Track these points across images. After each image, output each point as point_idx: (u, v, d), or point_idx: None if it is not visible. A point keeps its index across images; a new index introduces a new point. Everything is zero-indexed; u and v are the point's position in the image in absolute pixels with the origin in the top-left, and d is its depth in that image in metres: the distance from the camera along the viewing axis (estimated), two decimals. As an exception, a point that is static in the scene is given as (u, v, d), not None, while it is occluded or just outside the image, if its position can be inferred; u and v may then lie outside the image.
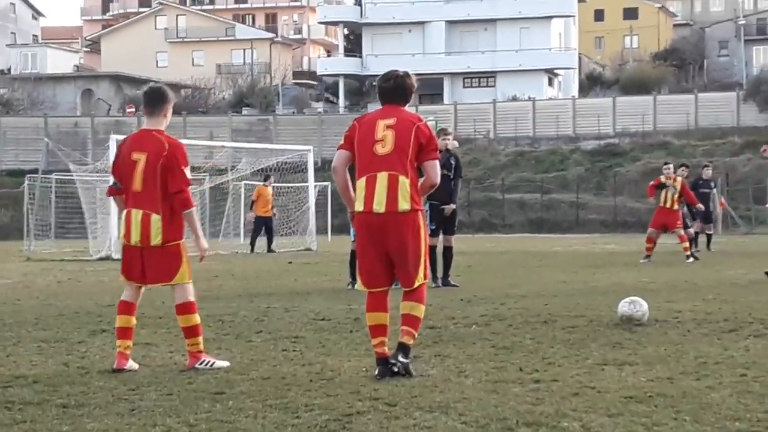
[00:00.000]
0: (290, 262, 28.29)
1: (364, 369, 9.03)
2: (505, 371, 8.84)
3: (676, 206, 26.30)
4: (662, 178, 26.41)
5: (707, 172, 31.50)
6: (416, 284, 8.85)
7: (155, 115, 9.53)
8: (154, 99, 9.51)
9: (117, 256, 31.31)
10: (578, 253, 32.80)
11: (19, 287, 20.01)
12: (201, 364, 9.29)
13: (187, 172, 9.39)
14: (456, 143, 18.85)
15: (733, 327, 11.66)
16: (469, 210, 62.45)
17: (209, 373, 8.94)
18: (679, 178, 26.41)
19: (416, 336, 8.90)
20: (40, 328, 12.62)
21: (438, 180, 8.94)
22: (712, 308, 13.62)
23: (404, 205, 8.75)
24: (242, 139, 68.39)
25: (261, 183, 38.32)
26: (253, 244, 37.00)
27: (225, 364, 9.36)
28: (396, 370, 8.59)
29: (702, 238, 30.69)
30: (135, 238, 9.36)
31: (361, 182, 8.89)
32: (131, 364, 9.26)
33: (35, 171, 42.84)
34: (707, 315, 12.82)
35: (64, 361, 9.82)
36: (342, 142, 9.11)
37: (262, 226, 37.20)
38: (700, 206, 28.05)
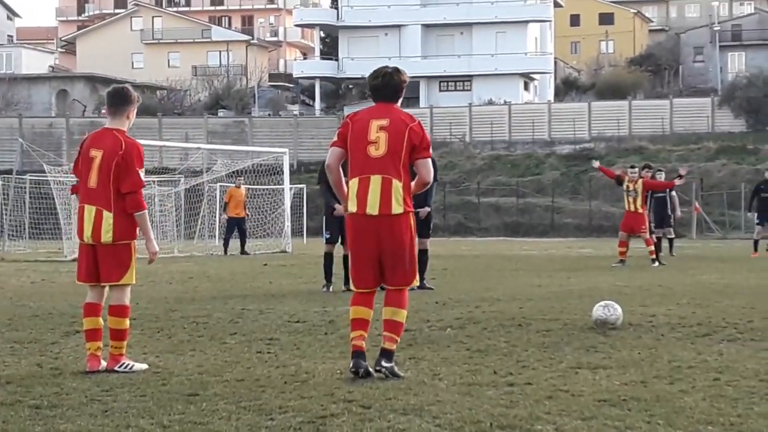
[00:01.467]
0: (265, 264, 28.25)
1: (338, 371, 9.02)
2: (480, 374, 8.85)
3: (640, 210, 26.48)
4: (626, 181, 26.61)
5: (660, 176, 31.56)
6: (414, 284, 9.01)
7: (118, 115, 9.57)
8: (118, 99, 9.55)
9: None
10: (553, 257, 32.86)
11: (-7, 288, 19.91)
12: (120, 366, 9.30)
13: (142, 173, 9.43)
14: None
15: (707, 331, 11.70)
16: (444, 213, 62.53)
17: (183, 375, 8.92)
18: (640, 181, 26.57)
19: (398, 341, 8.95)
20: (13, 328, 12.57)
21: (431, 178, 9.04)
22: (686, 312, 13.66)
23: (397, 208, 8.85)
24: (218, 141, 68.36)
25: (234, 185, 38.34)
26: (226, 245, 36.98)
27: (144, 366, 9.38)
28: (383, 375, 8.63)
29: (665, 243, 30.81)
30: (87, 233, 9.38)
31: (354, 183, 8.93)
32: (103, 364, 9.27)
33: (9, 171, 42.67)
34: (681, 319, 12.86)
35: (37, 362, 9.78)
36: (335, 139, 9.13)
37: (235, 228, 37.19)
38: (677, 181, 28.10)
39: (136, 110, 9.65)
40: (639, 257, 27.81)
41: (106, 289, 9.58)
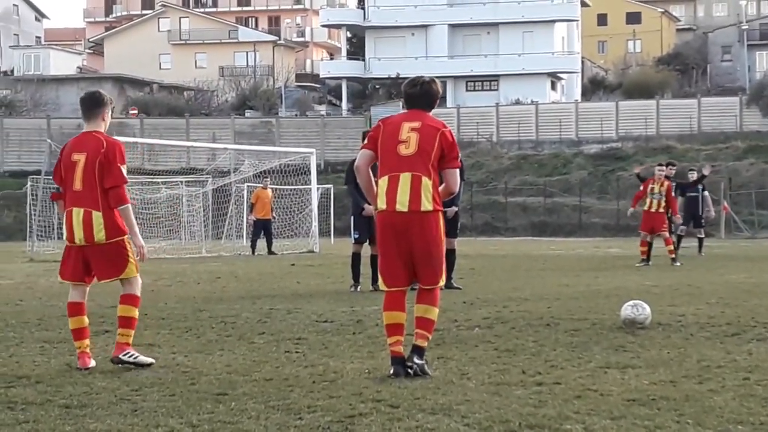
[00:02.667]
0: (293, 264, 28.28)
1: (366, 371, 9.02)
2: (508, 374, 8.83)
3: (660, 209, 26.39)
4: (650, 184, 26.54)
5: (692, 175, 31.50)
6: (440, 283, 9.02)
7: (93, 118, 9.81)
8: (90, 104, 9.82)
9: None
10: (581, 256, 32.78)
11: (22, 288, 20.03)
12: (125, 355, 9.49)
13: (124, 170, 9.60)
14: None
15: (736, 331, 11.65)
16: (471, 213, 62.46)
17: (212, 374, 8.93)
18: (666, 183, 26.48)
19: (429, 338, 9.00)
20: (43, 328, 12.63)
21: (457, 188, 9.14)
22: (715, 312, 13.61)
23: (427, 205, 8.88)
24: (245, 141, 68.46)
25: (260, 185, 38.43)
26: (253, 246, 37.10)
27: (150, 360, 9.58)
28: (412, 372, 8.66)
29: (692, 243, 30.73)
30: (78, 236, 9.57)
31: (384, 181, 8.99)
32: (92, 363, 9.49)
33: (38, 172, 42.81)
34: (710, 319, 12.81)
35: (67, 362, 9.82)
36: (366, 141, 9.24)
37: (261, 229, 37.30)
38: (677, 218, 28.11)
39: (110, 112, 9.89)
40: (666, 256, 27.71)
41: (88, 288, 9.86)
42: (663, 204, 26.35)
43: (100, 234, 9.52)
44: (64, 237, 9.75)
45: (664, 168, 27.00)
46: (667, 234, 26.50)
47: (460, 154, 9.27)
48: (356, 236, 18.74)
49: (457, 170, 9.12)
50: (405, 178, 8.89)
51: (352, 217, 18.98)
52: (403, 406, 7.47)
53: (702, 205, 31.21)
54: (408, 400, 7.68)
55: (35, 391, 8.25)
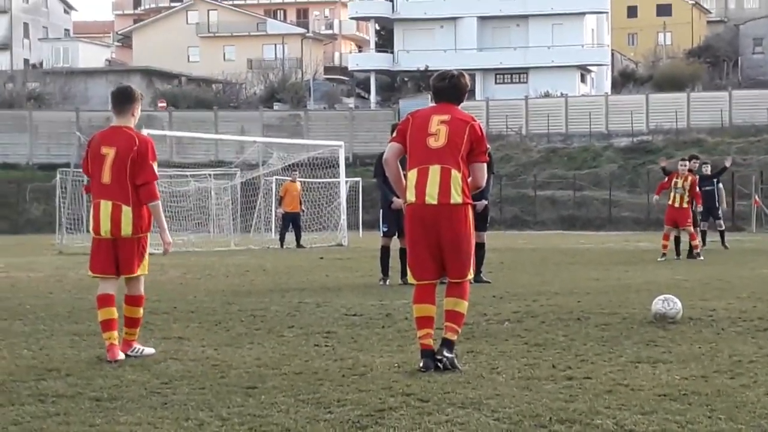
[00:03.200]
0: (321, 258, 28.30)
1: (396, 365, 9.01)
2: (538, 368, 8.80)
3: (684, 204, 26.26)
4: (674, 178, 26.47)
5: (705, 169, 31.44)
6: (469, 276, 9.01)
7: (123, 113, 9.94)
8: (122, 99, 9.95)
9: (149, 250, 31.43)
10: (611, 250, 32.67)
11: (51, 281, 20.10)
12: (132, 351, 9.74)
13: (155, 166, 9.80)
14: None
15: (768, 325, 11.59)
16: (500, 207, 62.32)
17: (241, 368, 8.94)
18: (690, 178, 26.35)
19: (459, 332, 9.01)
20: (73, 321, 12.67)
21: (483, 183, 9.15)
22: (747, 306, 13.53)
23: (457, 198, 8.88)
24: (273, 134, 68.47)
25: (289, 179, 38.45)
26: (282, 239, 37.14)
27: (152, 351, 9.86)
28: (441, 366, 8.65)
29: (714, 237, 30.65)
30: (105, 228, 9.75)
31: (413, 174, 8.99)
32: (121, 355, 9.59)
33: (67, 165, 43.06)
34: (742, 313, 12.74)
35: (97, 355, 9.84)
36: (394, 134, 9.28)
37: (290, 222, 37.34)
38: (699, 207, 28.13)
39: (140, 107, 10.06)
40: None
41: (119, 281, 9.96)
42: (686, 199, 26.23)
43: (127, 229, 9.69)
44: (90, 228, 9.83)
45: (687, 162, 26.89)
46: (691, 229, 26.40)
47: (489, 148, 9.25)
48: (385, 229, 18.72)
49: (485, 165, 9.10)
50: (434, 171, 8.88)
51: (380, 211, 18.97)
52: (432, 400, 7.46)
53: (717, 198, 31.17)
54: (438, 394, 7.66)
55: (65, 383, 8.27)
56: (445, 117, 8.99)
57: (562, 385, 8.03)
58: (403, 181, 9.19)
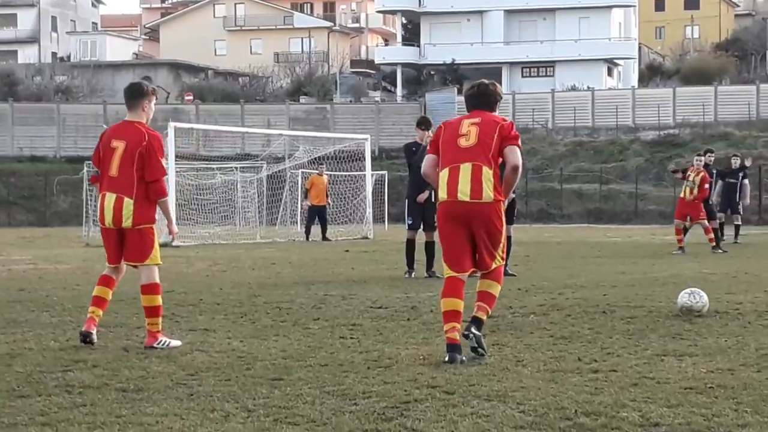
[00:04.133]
0: (347, 251, 28.31)
1: (421, 357, 9.02)
2: (564, 361, 8.80)
3: (696, 199, 26.19)
4: (689, 172, 26.52)
5: (735, 162, 31.39)
6: (493, 266, 9.19)
7: (134, 108, 10.20)
8: (133, 94, 10.22)
9: (176, 243, 31.53)
10: (637, 243, 32.58)
11: (78, 273, 20.18)
12: (158, 344, 9.87)
13: (164, 162, 10.20)
14: None
15: (795, 319, 11.54)
16: (527, 200, 62.20)
17: (267, 360, 8.96)
18: (701, 173, 26.31)
19: (489, 313, 9.25)
20: (100, 313, 12.70)
21: (519, 162, 9.18)
22: (773, 300, 13.48)
23: (488, 195, 9.04)
24: (300, 127, 68.54)
25: (315, 172, 38.48)
26: (308, 232, 37.16)
27: (178, 343, 9.99)
28: (468, 340, 8.92)
29: (728, 231, 30.58)
30: (108, 219, 10.05)
31: (445, 172, 9.20)
32: (94, 336, 9.99)
33: (95, 158, 43.07)
34: (768, 307, 12.70)
35: (124, 346, 9.89)
36: (429, 147, 9.69)
37: (316, 215, 37.36)
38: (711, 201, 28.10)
39: (153, 103, 10.32)
40: (725, 245, 27.48)
41: (124, 268, 10.29)
42: (696, 193, 26.21)
43: (128, 220, 9.94)
44: (98, 218, 10.04)
45: (702, 157, 26.85)
46: (706, 222, 26.35)
47: (519, 138, 9.34)
48: (410, 222, 18.73)
49: (517, 147, 9.16)
50: (465, 169, 9.02)
51: (406, 204, 18.95)
52: (458, 392, 7.46)
53: (740, 193, 31.06)
54: (463, 386, 7.66)
55: (92, 374, 8.31)
56: (476, 119, 9.23)
57: (587, 377, 8.02)
58: None
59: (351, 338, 10.33)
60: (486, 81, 9.52)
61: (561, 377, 8.03)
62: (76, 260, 24.43)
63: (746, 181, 31.49)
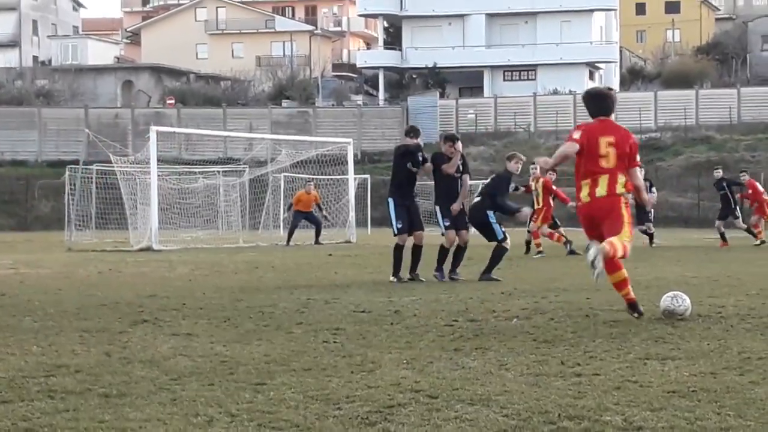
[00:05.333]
0: (330, 255, 28.30)
1: (405, 361, 9.01)
2: (547, 364, 8.80)
3: (541, 204, 28.46)
4: (530, 182, 27.61)
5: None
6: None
7: None
8: None
9: (158, 247, 31.48)
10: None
11: (60, 277, 20.12)
12: None
13: None
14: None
15: (777, 322, 11.57)
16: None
17: (250, 364, 8.94)
18: (542, 179, 27.04)
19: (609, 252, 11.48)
20: (82, 318, 12.67)
21: (641, 182, 12.13)
22: (756, 303, 13.51)
23: (620, 189, 11.70)
24: (282, 131, 68.57)
25: (303, 189, 38.32)
26: (290, 237, 36.87)
27: None
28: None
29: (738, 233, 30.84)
30: None
31: (587, 181, 11.86)
32: None
33: (76, 162, 43.10)
34: (750, 310, 12.72)
35: (106, 351, 9.85)
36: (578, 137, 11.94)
37: (301, 219, 37.27)
38: (571, 204, 28.49)
39: None
40: (708, 248, 27.57)
41: None
42: (542, 199, 27.40)
43: None
44: None
45: (537, 169, 27.44)
46: (535, 227, 28.60)
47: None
48: (399, 226, 18.61)
49: (637, 168, 11.89)
50: (604, 178, 11.71)
51: (393, 209, 18.73)
52: (441, 396, 7.46)
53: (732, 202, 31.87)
54: (446, 390, 7.66)
55: (75, 380, 8.28)
56: (611, 139, 11.59)
57: (570, 381, 8.03)
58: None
59: (334, 342, 10.32)
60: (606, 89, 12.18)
61: (544, 381, 8.04)
62: (58, 265, 24.36)
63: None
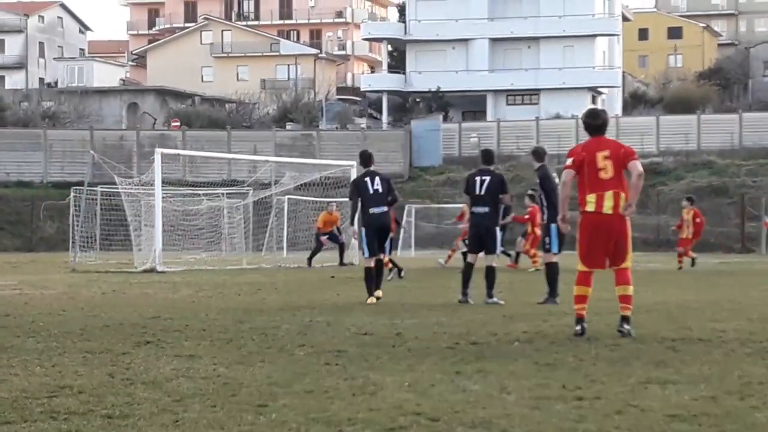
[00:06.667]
0: (333, 277, 28.32)
1: (407, 384, 9.04)
2: (548, 388, 8.82)
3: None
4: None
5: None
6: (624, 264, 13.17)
7: None
8: None
9: (162, 268, 31.51)
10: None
11: (65, 298, 20.15)
12: None
13: None
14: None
15: (778, 347, 11.58)
16: (512, 227, 62.25)
17: (252, 386, 8.97)
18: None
19: (631, 308, 12.83)
20: (85, 338, 12.71)
21: (641, 169, 12.75)
22: (756, 328, 13.53)
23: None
24: (286, 153, 68.60)
25: (325, 210, 38.61)
26: (312, 257, 36.85)
27: None
28: (623, 334, 12.41)
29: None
30: None
31: (592, 196, 12.81)
32: None
33: (81, 183, 43.06)
34: (751, 335, 12.74)
35: (109, 372, 9.88)
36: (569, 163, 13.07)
37: (322, 242, 37.63)
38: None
39: None
40: (710, 272, 27.58)
41: None
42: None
43: None
44: None
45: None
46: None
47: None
48: (369, 251, 19.05)
49: (636, 161, 12.89)
50: (609, 195, 12.84)
51: (363, 231, 19.14)
52: (443, 419, 7.48)
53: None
54: (448, 413, 7.69)
55: (77, 401, 8.31)
56: (606, 152, 12.61)
57: (571, 405, 8.05)
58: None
59: (336, 365, 10.34)
60: (599, 109, 13.17)
61: (545, 404, 8.06)
62: (62, 285, 24.39)
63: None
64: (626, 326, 12.42)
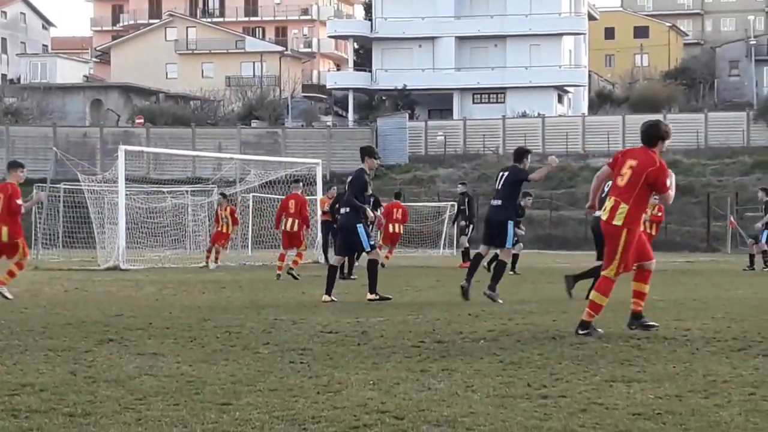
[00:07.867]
0: (298, 275, 28.22)
1: (371, 382, 9.00)
2: (513, 386, 8.81)
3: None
4: None
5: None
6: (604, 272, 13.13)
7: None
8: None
9: (125, 266, 31.36)
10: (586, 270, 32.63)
11: (27, 296, 20.03)
12: None
13: (20, 202, 18.31)
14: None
15: (742, 346, 11.61)
16: (477, 225, 62.40)
17: (216, 384, 8.91)
18: (228, 208, 28.29)
19: (595, 315, 12.74)
20: (47, 336, 12.60)
21: (666, 194, 12.84)
22: (721, 327, 13.56)
23: (618, 221, 12.49)
24: (251, 151, 68.53)
25: (326, 195, 37.56)
26: (326, 252, 35.70)
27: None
28: (633, 328, 12.92)
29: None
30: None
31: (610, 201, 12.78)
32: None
33: (44, 180, 42.85)
34: (716, 333, 12.77)
35: (71, 370, 9.80)
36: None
37: (329, 231, 36.42)
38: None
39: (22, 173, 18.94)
40: (675, 271, 27.68)
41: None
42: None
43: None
44: None
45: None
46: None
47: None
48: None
49: (666, 194, 12.93)
50: (611, 201, 12.90)
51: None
52: (407, 417, 7.45)
53: None
54: (413, 411, 7.66)
55: (39, 399, 8.24)
56: (634, 162, 12.73)
57: (536, 403, 8.04)
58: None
59: (301, 363, 10.29)
60: (653, 121, 13.28)
61: (510, 403, 8.04)
62: (24, 283, 24.20)
63: None
64: (581, 331, 12.58)
